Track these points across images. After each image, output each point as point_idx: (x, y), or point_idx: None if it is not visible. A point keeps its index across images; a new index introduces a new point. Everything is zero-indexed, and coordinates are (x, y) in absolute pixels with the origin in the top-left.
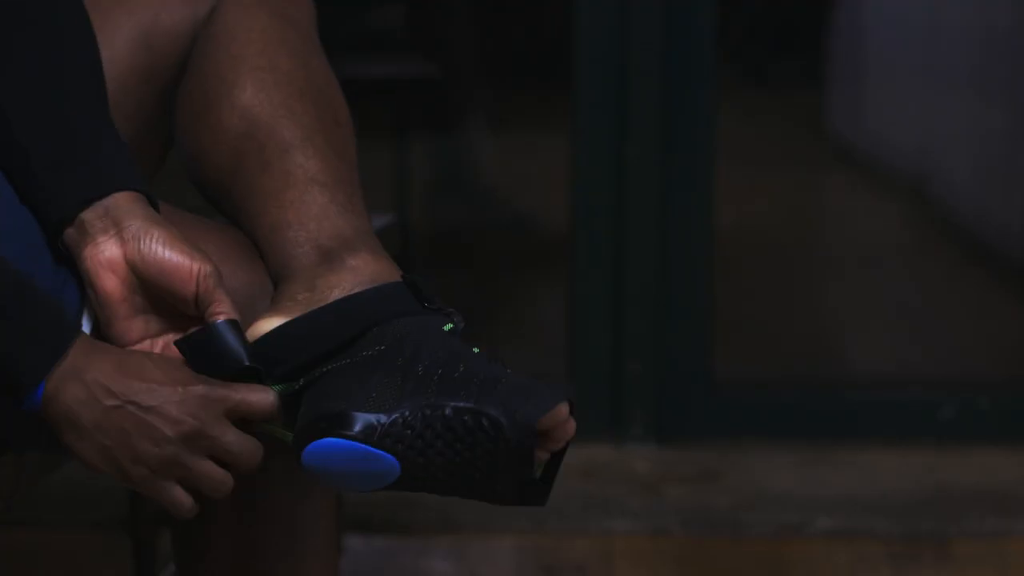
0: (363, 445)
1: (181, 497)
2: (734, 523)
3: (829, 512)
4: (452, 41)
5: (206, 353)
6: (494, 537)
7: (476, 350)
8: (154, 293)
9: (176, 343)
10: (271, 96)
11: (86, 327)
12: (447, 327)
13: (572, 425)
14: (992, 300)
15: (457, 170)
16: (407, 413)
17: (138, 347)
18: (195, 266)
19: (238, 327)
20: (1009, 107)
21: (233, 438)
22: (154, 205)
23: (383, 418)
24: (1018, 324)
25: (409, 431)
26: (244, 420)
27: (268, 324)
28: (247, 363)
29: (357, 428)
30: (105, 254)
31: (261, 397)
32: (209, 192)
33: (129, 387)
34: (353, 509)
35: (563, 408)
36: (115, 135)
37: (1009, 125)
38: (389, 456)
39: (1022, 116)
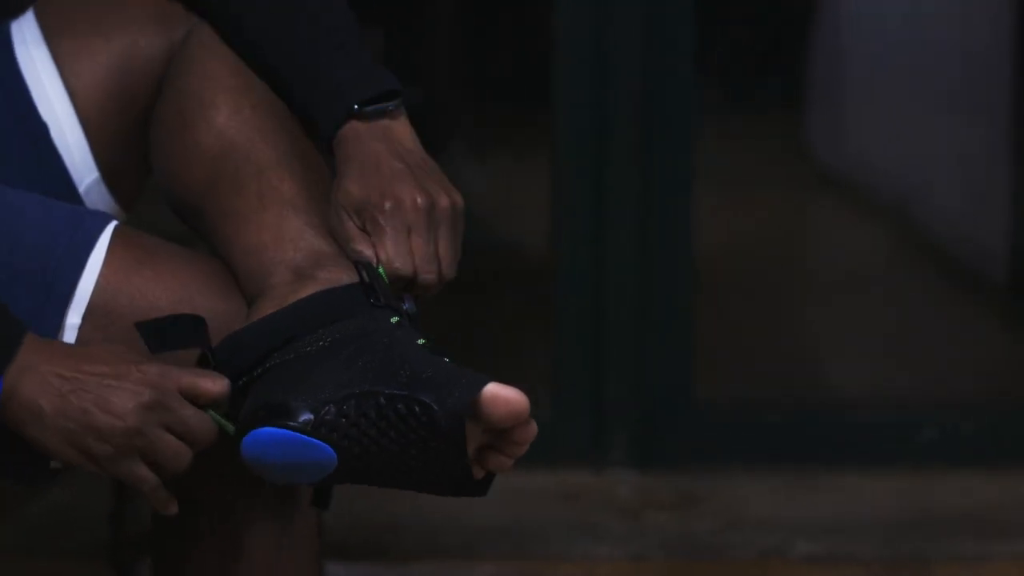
0: (299, 435)
1: (145, 473)
2: (715, 548)
3: (810, 536)
4: (433, 66)
5: (165, 337)
6: (476, 562)
7: (421, 341)
8: None
9: (136, 324)
10: (246, 117)
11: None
12: (393, 319)
13: (533, 428)
14: (974, 322)
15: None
16: (343, 403)
17: None
18: None
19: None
20: (990, 128)
21: (191, 412)
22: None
23: (320, 408)
24: (1000, 346)
25: (344, 420)
26: (193, 404)
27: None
28: (207, 350)
29: (294, 417)
30: None
31: (213, 381)
32: (184, 212)
33: (84, 369)
34: (333, 534)
35: (523, 409)
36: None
37: (990, 146)
38: (325, 446)
39: (1003, 137)
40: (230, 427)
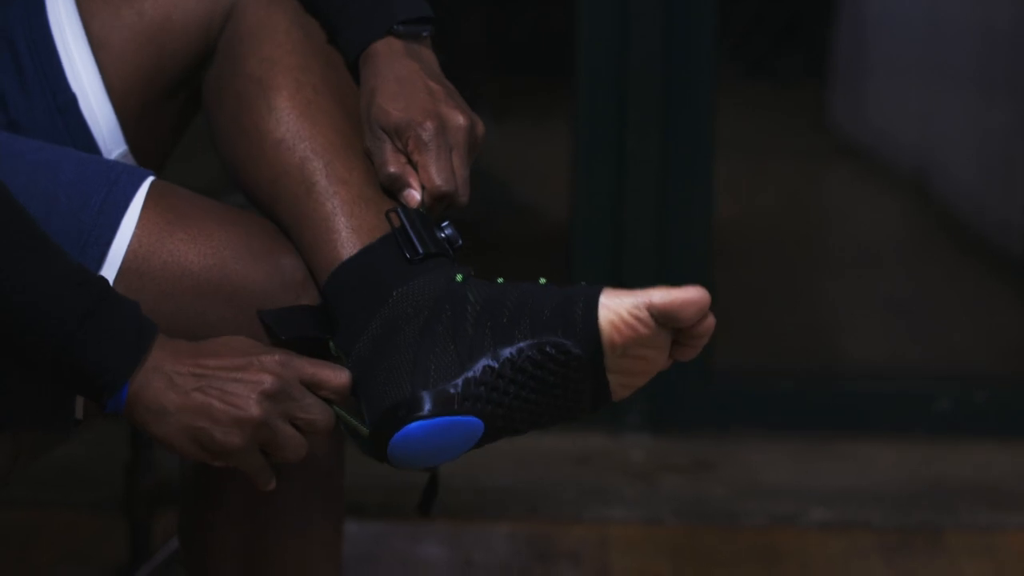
0: (445, 418)
1: (261, 462)
2: (728, 513)
3: (823, 503)
4: (455, 32)
5: (284, 325)
6: (488, 523)
7: (500, 281)
8: None
9: (258, 312)
10: (308, 99)
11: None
12: (459, 278)
13: (712, 320)
14: (990, 295)
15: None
16: (475, 372)
17: None
18: None
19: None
20: (1010, 103)
21: (312, 400)
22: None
23: (454, 385)
24: (1016, 319)
25: (483, 387)
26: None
27: None
28: (323, 337)
29: (433, 404)
30: None
31: (335, 372)
32: (251, 200)
33: (205, 364)
34: (349, 494)
35: (706, 303)
36: None
37: (1010, 121)
38: (471, 418)
39: (1023, 112)
40: (364, 429)
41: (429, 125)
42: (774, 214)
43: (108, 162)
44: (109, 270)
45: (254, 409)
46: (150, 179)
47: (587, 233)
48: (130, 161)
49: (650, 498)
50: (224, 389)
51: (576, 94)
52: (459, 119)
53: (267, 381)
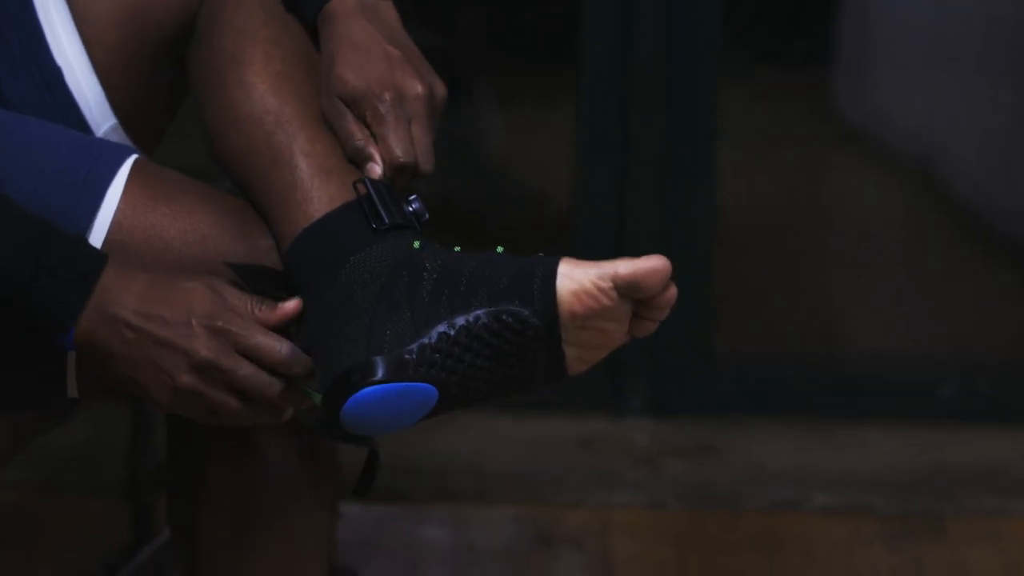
0: (399, 384)
1: (209, 417)
2: (731, 498)
3: (826, 489)
4: (458, 14)
5: (250, 281)
6: (491, 507)
7: (457, 249)
8: None
9: (224, 262)
10: (277, 71)
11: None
12: (416, 245)
13: (674, 290)
14: (994, 282)
15: (461, 144)
16: (431, 339)
17: None
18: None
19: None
20: (1016, 90)
21: (247, 371)
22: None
23: (409, 351)
24: (1020, 306)
25: (438, 355)
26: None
27: None
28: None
29: (387, 369)
30: None
31: (276, 345)
32: (227, 174)
33: (147, 319)
34: (350, 477)
35: (668, 272)
36: None
37: (1015, 108)
38: (425, 385)
39: None
40: (317, 396)
41: (386, 96)
42: (777, 202)
43: (94, 139)
44: (94, 242)
45: (183, 378)
46: (134, 156)
47: (590, 222)
48: (120, 135)
49: (653, 483)
50: (156, 352)
51: (580, 83)
52: (416, 87)
53: (199, 351)
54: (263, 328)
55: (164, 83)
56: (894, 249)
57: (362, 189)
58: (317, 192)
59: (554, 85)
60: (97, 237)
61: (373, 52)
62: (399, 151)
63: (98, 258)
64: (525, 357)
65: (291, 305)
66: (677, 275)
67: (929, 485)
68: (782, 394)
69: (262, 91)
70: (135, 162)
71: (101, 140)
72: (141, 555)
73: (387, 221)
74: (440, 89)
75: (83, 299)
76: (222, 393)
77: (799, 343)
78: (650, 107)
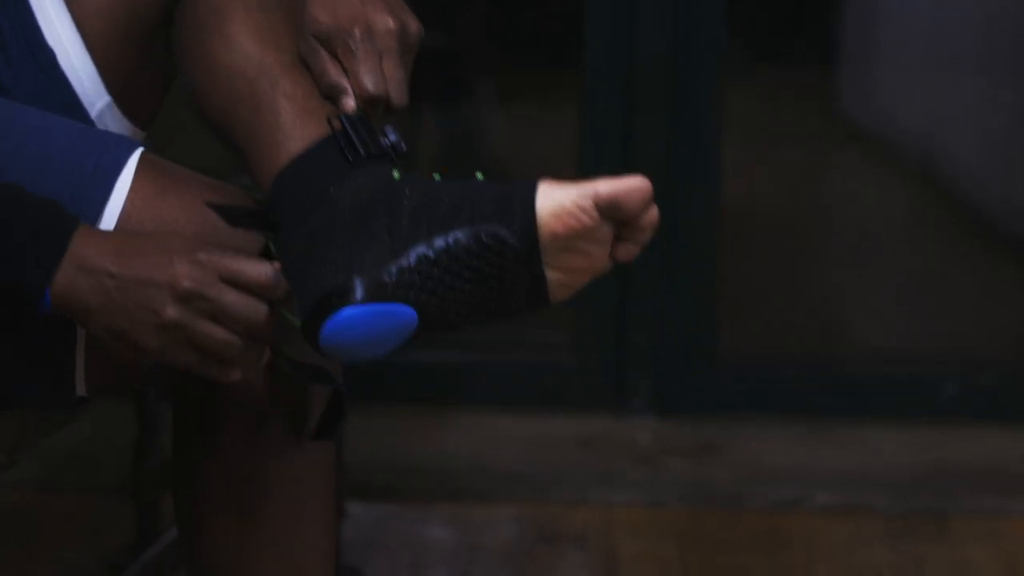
0: (378, 304)
1: (196, 361)
2: (733, 497)
3: (828, 487)
4: (462, 13)
5: (233, 218)
6: (494, 506)
7: (437, 177)
8: None
9: (207, 202)
10: (258, 21)
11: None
12: (395, 174)
13: (655, 211)
14: (997, 280)
15: (465, 142)
16: (409, 261)
17: None
18: None
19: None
20: (1018, 89)
21: (233, 298)
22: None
23: (387, 272)
24: (1022, 305)
25: (417, 275)
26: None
27: None
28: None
29: (366, 290)
30: None
31: (257, 268)
32: (211, 128)
33: (127, 265)
34: (355, 476)
35: (649, 191)
36: None
37: (1017, 107)
38: (404, 307)
39: None
40: (296, 322)
41: (356, 31)
42: (779, 201)
43: (100, 131)
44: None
45: (168, 311)
46: (140, 149)
47: None
48: (115, 112)
49: (655, 482)
50: (139, 292)
51: (583, 81)
52: (387, 22)
53: (182, 282)
54: (243, 255)
55: (157, 60)
56: (896, 248)
57: (337, 124)
58: (298, 131)
59: (557, 85)
60: (108, 225)
61: None
62: (370, 84)
63: (70, 218)
64: (505, 279)
65: (267, 268)
66: (682, 274)
67: (930, 484)
68: (784, 393)
69: (244, 42)
70: (142, 155)
71: (106, 133)
72: (147, 554)
73: (363, 153)
74: (413, 25)
75: (57, 257)
76: (209, 324)
77: (801, 342)
78: (653, 107)
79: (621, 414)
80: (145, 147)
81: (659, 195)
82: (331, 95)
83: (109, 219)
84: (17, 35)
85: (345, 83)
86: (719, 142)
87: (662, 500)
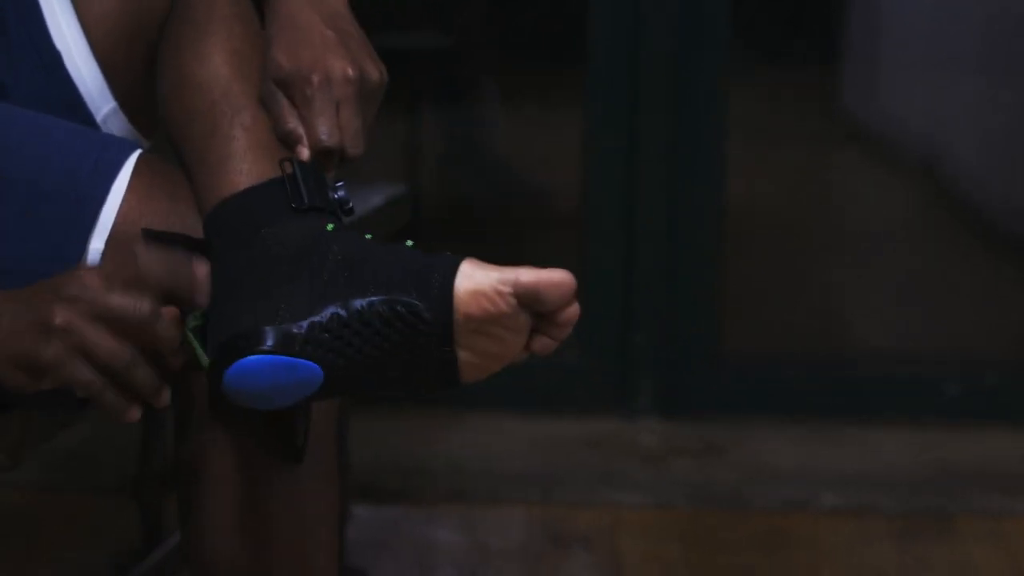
0: (284, 357)
1: (94, 381)
2: (739, 497)
3: (833, 488)
4: (465, 13)
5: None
6: (501, 507)
7: (369, 237)
8: None
9: (143, 229)
10: (235, 48)
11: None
12: (329, 227)
13: (577, 308)
14: (999, 280)
15: (469, 142)
16: (322, 318)
17: None
18: None
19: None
20: (1018, 88)
21: (99, 339)
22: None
23: (299, 326)
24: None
25: (327, 334)
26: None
27: None
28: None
29: (275, 341)
30: None
31: (132, 304)
32: (169, 138)
33: (12, 296)
34: (362, 478)
35: (571, 288)
36: None
37: (1018, 106)
38: (310, 363)
39: None
40: (204, 359)
41: (314, 79)
42: (783, 200)
43: (98, 132)
44: (100, 234)
45: (57, 315)
46: (138, 151)
47: (599, 218)
48: (120, 118)
49: (660, 482)
50: (28, 305)
51: (588, 80)
52: (346, 70)
53: (53, 318)
54: (121, 291)
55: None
56: (899, 248)
57: (288, 168)
58: (248, 166)
59: (562, 84)
60: (104, 228)
61: (308, 35)
62: (323, 134)
63: None
64: (416, 353)
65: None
66: (686, 274)
67: (936, 484)
68: (789, 394)
69: (217, 63)
70: (140, 156)
71: (105, 134)
72: (151, 556)
73: (306, 201)
74: (374, 73)
75: None
76: (97, 330)
77: (805, 343)
78: (657, 106)
79: (625, 415)
80: (143, 149)
81: (663, 196)
82: (286, 142)
83: (106, 220)
84: (25, 35)
85: (300, 131)
86: (722, 142)
87: (667, 501)
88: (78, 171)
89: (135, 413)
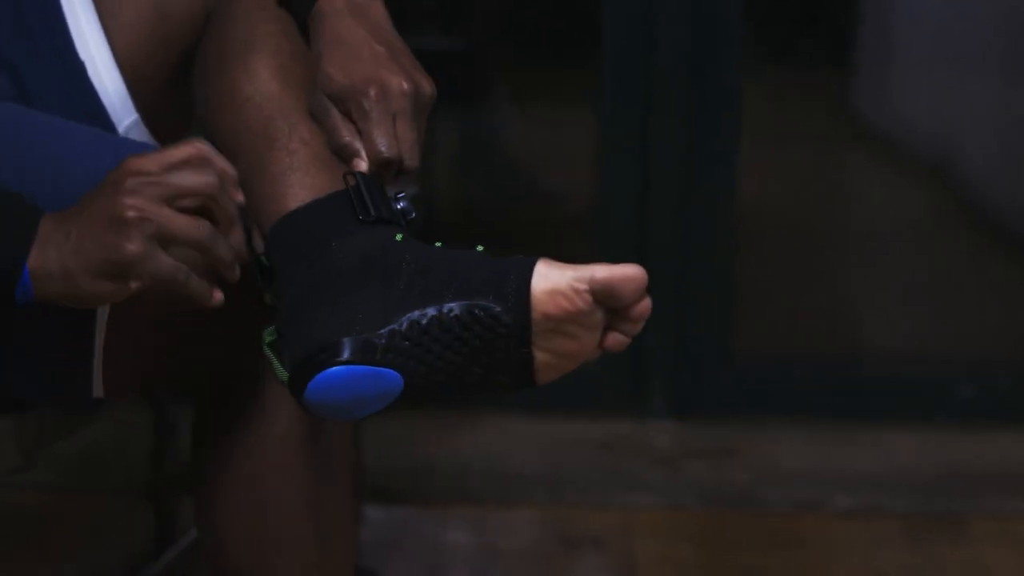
0: (365, 367)
1: (178, 273)
2: (752, 499)
3: (846, 489)
4: (479, 14)
5: None
6: (512, 508)
7: (439, 244)
8: None
9: None
10: (284, 64)
11: None
12: (398, 237)
13: (648, 302)
14: (1011, 281)
15: (483, 143)
16: (401, 326)
17: None
18: None
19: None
20: None
21: (182, 221)
22: None
23: (378, 335)
24: None
25: (407, 342)
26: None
27: None
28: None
29: (355, 351)
30: None
31: (199, 178)
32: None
33: (78, 210)
34: (373, 479)
35: (644, 281)
36: None
37: None
38: (391, 371)
39: None
40: (283, 373)
41: (371, 92)
42: (796, 201)
43: (114, 136)
44: None
45: (127, 199)
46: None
47: (612, 222)
48: (142, 130)
49: (674, 484)
50: (95, 208)
51: (601, 80)
52: (401, 84)
53: (127, 210)
54: (179, 168)
55: (185, 80)
56: (912, 249)
57: (351, 181)
58: (311, 179)
59: (575, 85)
60: None
61: (360, 50)
62: (383, 147)
63: (35, 209)
64: (495, 356)
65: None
66: (699, 275)
67: (949, 486)
68: (801, 395)
69: (266, 78)
70: None
71: (122, 137)
72: (164, 557)
73: (373, 213)
74: (427, 87)
75: (27, 243)
76: (170, 211)
77: (819, 344)
78: (671, 106)
79: (639, 417)
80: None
81: (676, 197)
82: (342, 155)
83: None
84: (50, 46)
85: (357, 144)
86: (737, 143)
87: (680, 502)
88: (96, 173)
89: (219, 295)
